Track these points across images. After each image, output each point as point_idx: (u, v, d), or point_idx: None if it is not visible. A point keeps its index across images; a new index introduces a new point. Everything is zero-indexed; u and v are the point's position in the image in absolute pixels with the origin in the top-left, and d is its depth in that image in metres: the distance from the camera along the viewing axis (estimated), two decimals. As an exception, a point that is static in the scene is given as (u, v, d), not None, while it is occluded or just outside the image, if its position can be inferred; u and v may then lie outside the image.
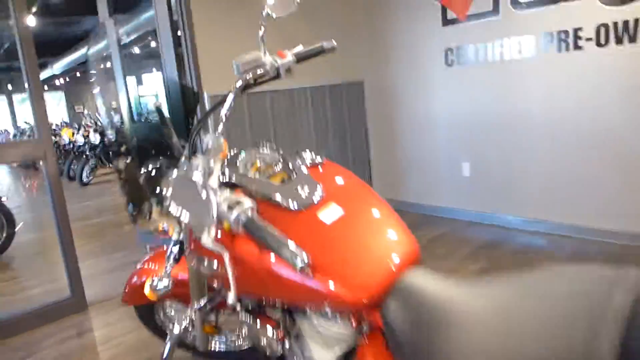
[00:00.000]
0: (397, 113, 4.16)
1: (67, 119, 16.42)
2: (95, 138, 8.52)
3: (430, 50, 3.78)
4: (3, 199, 4.34)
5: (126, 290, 1.64)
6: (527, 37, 3.21)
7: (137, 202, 1.14)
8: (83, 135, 8.92)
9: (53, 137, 11.44)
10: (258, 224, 0.80)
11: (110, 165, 8.59)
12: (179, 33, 3.22)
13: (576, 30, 2.97)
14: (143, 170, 1.25)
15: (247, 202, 0.83)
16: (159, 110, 1.27)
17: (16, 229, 4.35)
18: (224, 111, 1.20)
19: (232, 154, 1.09)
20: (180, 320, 1.20)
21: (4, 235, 4.25)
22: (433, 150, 3.96)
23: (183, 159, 1.22)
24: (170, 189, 0.85)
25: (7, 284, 3.70)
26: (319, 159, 1.12)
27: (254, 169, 1.05)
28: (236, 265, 0.92)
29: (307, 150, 1.15)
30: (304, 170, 1.05)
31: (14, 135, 14.51)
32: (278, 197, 0.95)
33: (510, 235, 3.43)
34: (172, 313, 1.80)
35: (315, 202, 0.95)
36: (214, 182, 0.96)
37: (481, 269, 2.90)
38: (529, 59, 3.23)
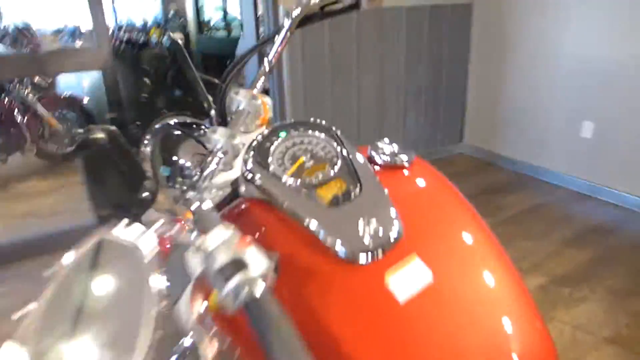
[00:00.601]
0: (509, 46, 3.41)
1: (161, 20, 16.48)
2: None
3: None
4: (85, 100, 4.35)
5: None
6: None
7: (118, 191, 0.78)
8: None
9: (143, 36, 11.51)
10: (270, 312, 0.42)
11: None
12: None
13: None
14: (156, 125, 0.89)
15: (260, 264, 0.44)
16: (177, 47, 0.89)
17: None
18: (270, 55, 0.82)
19: (266, 132, 0.68)
20: None
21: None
22: (547, 100, 3.23)
23: (208, 125, 0.86)
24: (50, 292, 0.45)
25: (64, 192, 3.53)
26: (404, 157, 0.68)
27: (294, 167, 0.64)
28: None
29: (387, 140, 0.71)
30: (376, 180, 0.62)
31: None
32: (320, 231, 0.55)
33: (629, 219, 2.78)
34: None
35: (386, 250, 0.55)
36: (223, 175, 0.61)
37: (589, 261, 2.36)
38: None
